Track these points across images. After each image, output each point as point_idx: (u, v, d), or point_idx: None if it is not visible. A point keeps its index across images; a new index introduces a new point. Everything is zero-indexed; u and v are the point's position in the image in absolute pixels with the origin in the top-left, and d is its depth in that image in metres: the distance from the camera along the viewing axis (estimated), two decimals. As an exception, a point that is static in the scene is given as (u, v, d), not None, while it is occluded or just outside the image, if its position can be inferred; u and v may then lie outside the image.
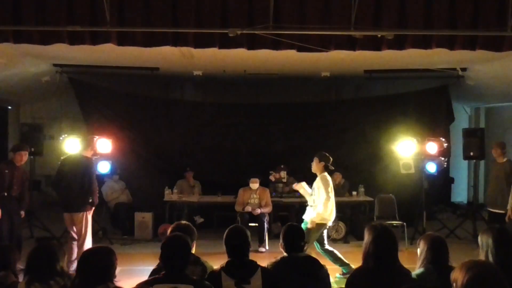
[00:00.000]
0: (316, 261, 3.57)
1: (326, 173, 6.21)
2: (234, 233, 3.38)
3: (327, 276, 3.56)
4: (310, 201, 6.31)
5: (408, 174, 8.55)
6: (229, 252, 3.32)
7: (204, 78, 9.54)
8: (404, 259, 3.19)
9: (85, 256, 3.07)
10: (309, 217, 6.15)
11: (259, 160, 9.55)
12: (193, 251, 3.71)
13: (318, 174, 6.24)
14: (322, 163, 6.21)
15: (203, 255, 3.74)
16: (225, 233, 3.40)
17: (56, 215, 9.33)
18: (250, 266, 3.24)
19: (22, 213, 6.80)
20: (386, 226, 3.24)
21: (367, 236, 3.16)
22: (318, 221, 6.09)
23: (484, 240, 3.17)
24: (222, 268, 3.21)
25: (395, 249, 3.12)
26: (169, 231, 3.65)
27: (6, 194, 6.49)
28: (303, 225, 6.01)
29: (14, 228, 6.51)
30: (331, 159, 6.27)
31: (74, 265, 5.99)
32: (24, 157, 6.70)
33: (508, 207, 7.04)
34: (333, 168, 6.37)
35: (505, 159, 7.52)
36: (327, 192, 6.05)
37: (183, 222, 3.88)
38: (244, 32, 4.86)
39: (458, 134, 9.82)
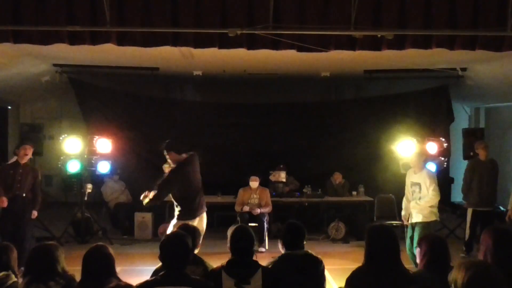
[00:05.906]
0: (314, 258, 3.56)
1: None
2: (241, 235, 3.35)
3: (322, 272, 3.56)
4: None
5: (408, 174, 8.53)
6: (234, 252, 3.31)
7: (204, 78, 9.53)
8: (404, 259, 3.19)
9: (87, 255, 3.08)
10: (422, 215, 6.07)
11: (259, 160, 9.54)
12: (196, 251, 3.74)
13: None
14: (423, 157, 6.24)
15: (203, 255, 3.75)
16: (232, 233, 3.37)
17: (56, 215, 9.37)
18: (251, 266, 3.23)
19: (35, 213, 6.79)
20: (387, 226, 3.23)
21: (368, 236, 3.15)
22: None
23: (484, 240, 3.17)
24: (222, 267, 3.20)
25: (396, 249, 3.11)
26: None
27: (12, 195, 6.52)
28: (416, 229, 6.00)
29: (18, 229, 6.51)
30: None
31: None
32: (28, 151, 6.69)
33: (509, 207, 7.05)
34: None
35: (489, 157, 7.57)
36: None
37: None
38: (244, 32, 4.86)
39: (458, 134, 9.80)
